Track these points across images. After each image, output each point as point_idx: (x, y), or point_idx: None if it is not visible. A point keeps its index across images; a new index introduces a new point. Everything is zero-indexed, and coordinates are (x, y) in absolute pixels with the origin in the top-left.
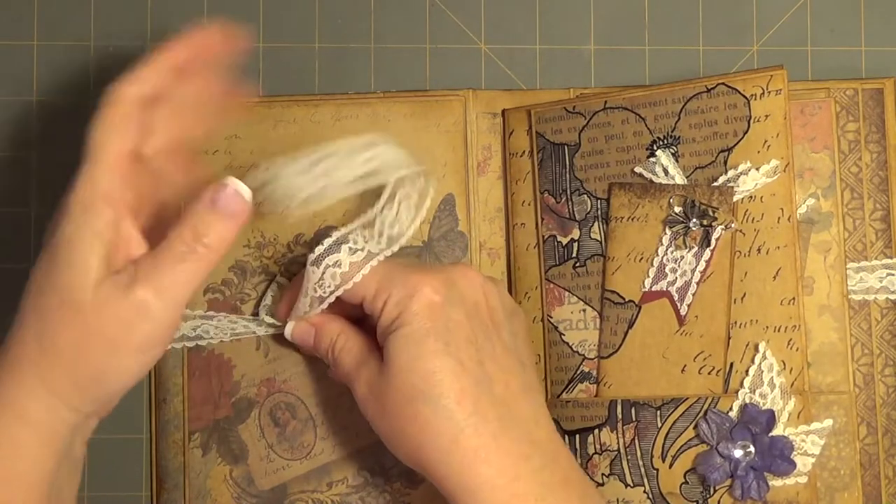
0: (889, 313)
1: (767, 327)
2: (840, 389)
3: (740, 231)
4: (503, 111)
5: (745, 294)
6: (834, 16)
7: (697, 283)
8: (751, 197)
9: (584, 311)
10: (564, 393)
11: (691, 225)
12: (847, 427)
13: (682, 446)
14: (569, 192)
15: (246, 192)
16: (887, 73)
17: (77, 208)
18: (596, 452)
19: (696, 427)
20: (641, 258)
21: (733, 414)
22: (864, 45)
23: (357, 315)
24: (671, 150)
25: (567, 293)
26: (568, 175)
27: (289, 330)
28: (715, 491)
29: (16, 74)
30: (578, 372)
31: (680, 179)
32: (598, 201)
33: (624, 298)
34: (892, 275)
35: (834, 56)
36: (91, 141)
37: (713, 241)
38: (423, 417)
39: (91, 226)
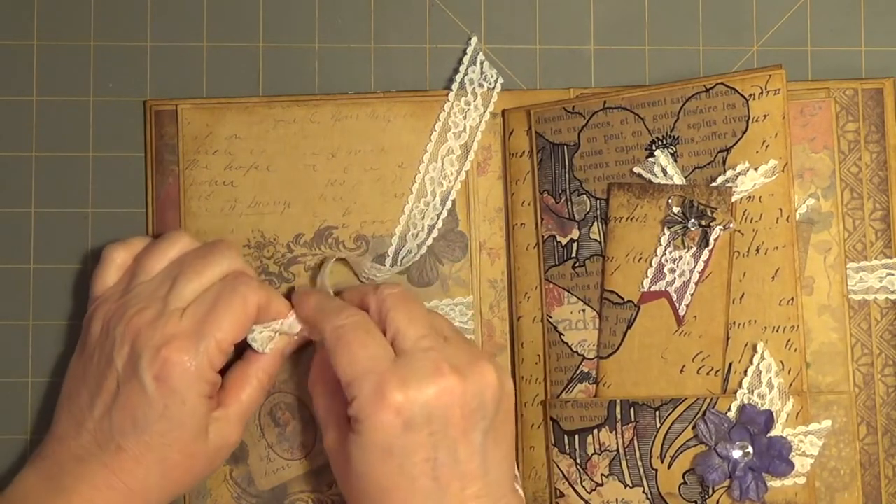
0: (889, 313)
1: (766, 328)
2: (840, 389)
3: (739, 231)
4: (503, 111)
5: (743, 294)
6: (834, 16)
7: (696, 284)
8: (749, 197)
9: (584, 311)
10: (564, 393)
11: (690, 225)
12: (847, 427)
13: (680, 447)
14: (568, 192)
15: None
16: (887, 73)
17: (191, 379)
18: (595, 453)
19: (694, 427)
20: (640, 258)
21: (732, 414)
22: (864, 45)
23: None
24: (670, 150)
25: (566, 293)
26: (567, 175)
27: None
28: (714, 492)
29: (16, 74)
30: (578, 372)
31: (678, 179)
32: (598, 201)
33: (623, 298)
34: (892, 275)
35: (834, 56)
36: (210, 317)
37: (711, 242)
38: None
39: (202, 393)
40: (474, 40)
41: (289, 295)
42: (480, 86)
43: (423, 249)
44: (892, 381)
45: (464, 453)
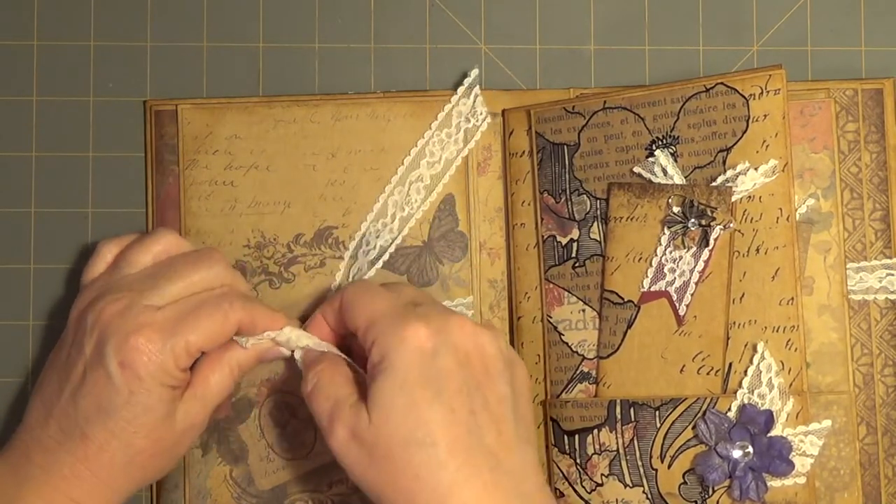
0: (888, 313)
1: (766, 327)
2: (840, 389)
3: (739, 231)
4: (503, 111)
5: (743, 294)
6: (834, 16)
7: (696, 284)
8: (749, 197)
9: (584, 311)
10: (564, 393)
11: (690, 225)
12: (847, 427)
13: (680, 447)
14: (568, 192)
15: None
16: (887, 73)
17: (156, 371)
18: (595, 453)
19: (694, 427)
20: (640, 258)
21: (732, 414)
22: (864, 45)
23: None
24: (670, 149)
25: (566, 293)
26: (567, 175)
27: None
28: (714, 491)
29: (16, 75)
30: (578, 372)
31: (679, 179)
32: (598, 201)
33: (623, 298)
34: (892, 275)
35: (834, 56)
36: (186, 320)
37: (711, 241)
38: (416, 466)
39: (168, 384)
40: (474, 73)
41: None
42: (467, 121)
43: (373, 270)
44: (892, 382)
45: (493, 398)
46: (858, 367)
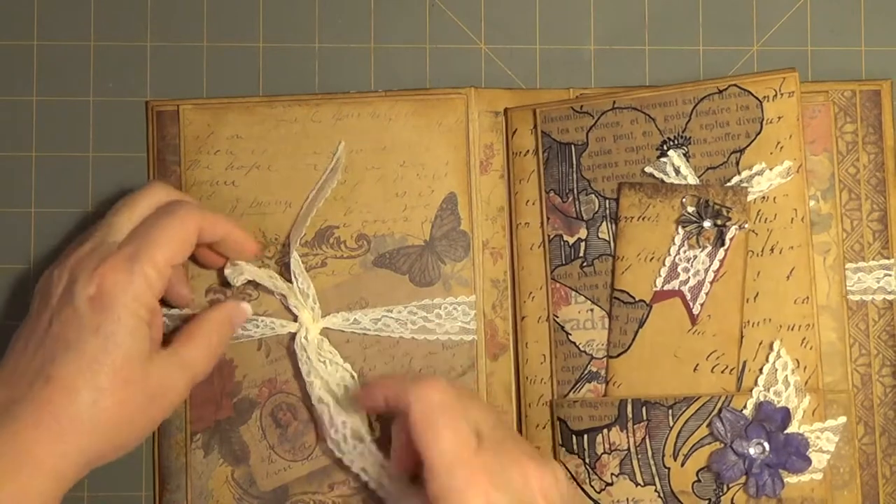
0: (886, 314)
1: (781, 326)
2: (839, 389)
3: (753, 231)
4: (505, 110)
5: (757, 293)
6: (834, 16)
7: (711, 283)
8: (763, 197)
9: (592, 310)
10: (571, 393)
11: (705, 225)
12: (847, 426)
13: (694, 445)
14: (576, 192)
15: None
16: (887, 73)
17: (126, 297)
18: (605, 452)
19: (709, 425)
20: (652, 258)
21: (747, 412)
22: (864, 45)
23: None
24: (682, 150)
25: (574, 293)
26: (575, 174)
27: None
28: (728, 489)
29: (16, 75)
30: (586, 372)
31: (692, 179)
32: (607, 201)
33: (634, 298)
34: (889, 275)
35: (834, 56)
36: (146, 238)
37: (727, 241)
38: None
39: (139, 315)
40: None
41: None
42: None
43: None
44: (890, 382)
45: None
46: (856, 368)
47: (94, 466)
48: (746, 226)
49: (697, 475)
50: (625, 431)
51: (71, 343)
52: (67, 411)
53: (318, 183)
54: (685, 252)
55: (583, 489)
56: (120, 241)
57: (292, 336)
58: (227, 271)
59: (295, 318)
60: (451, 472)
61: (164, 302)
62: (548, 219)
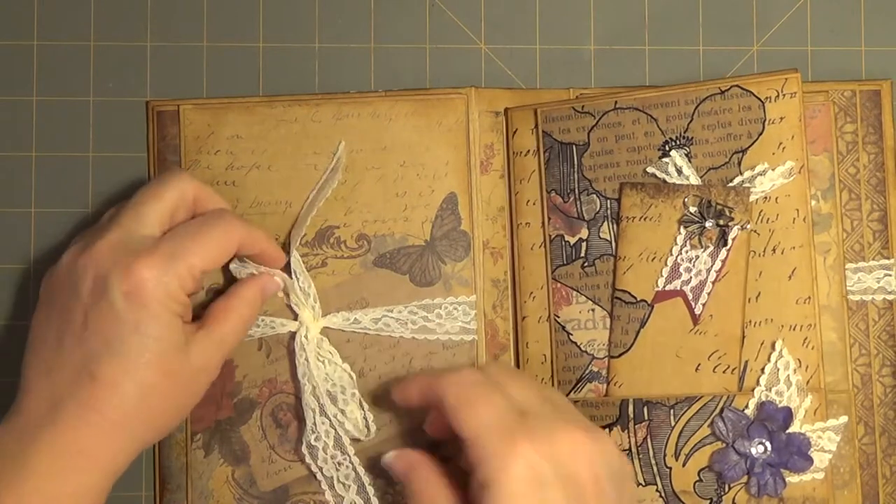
0: (886, 314)
1: (783, 326)
2: (839, 388)
3: (755, 231)
4: (506, 110)
5: (759, 293)
6: (834, 16)
7: (713, 283)
8: (766, 198)
9: (593, 310)
10: (573, 393)
11: (707, 225)
12: (847, 425)
13: (695, 444)
14: (577, 192)
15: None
16: (887, 73)
17: (161, 294)
18: None
19: (711, 425)
20: (654, 258)
21: (749, 412)
22: (864, 45)
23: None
24: (684, 150)
25: (575, 293)
26: (576, 175)
27: (388, 459)
28: (730, 488)
29: (16, 75)
30: (587, 372)
31: (694, 179)
32: (608, 201)
33: (636, 298)
34: (889, 275)
35: (834, 56)
36: (187, 241)
37: (730, 241)
38: None
39: (173, 310)
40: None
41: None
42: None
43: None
44: (890, 382)
45: None
46: (857, 368)
47: (144, 447)
48: (749, 226)
49: (699, 475)
50: (626, 431)
51: (111, 341)
52: (115, 409)
53: (319, 183)
54: (687, 252)
55: None
56: (149, 233)
57: (292, 336)
58: (231, 266)
59: (295, 318)
60: (491, 438)
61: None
62: (549, 219)
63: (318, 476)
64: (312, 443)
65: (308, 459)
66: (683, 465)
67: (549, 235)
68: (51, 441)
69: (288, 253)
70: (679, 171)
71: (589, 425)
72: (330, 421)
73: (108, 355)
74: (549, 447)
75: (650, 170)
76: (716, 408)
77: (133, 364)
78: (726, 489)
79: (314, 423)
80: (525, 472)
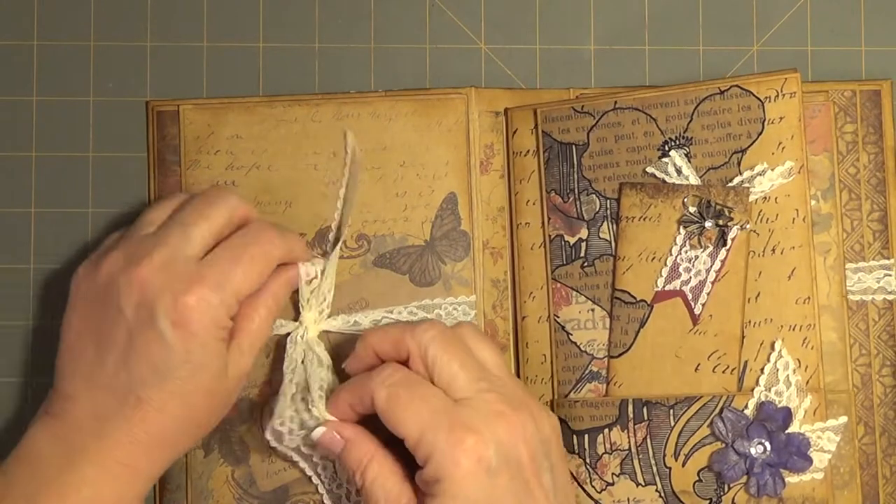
0: (886, 314)
1: (782, 326)
2: (839, 388)
3: (755, 231)
4: (505, 110)
5: (759, 293)
6: (834, 16)
7: (712, 283)
8: (765, 198)
9: (593, 310)
10: (572, 393)
11: (707, 225)
12: (847, 425)
13: (695, 444)
14: (577, 192)
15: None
16: (887, 73)
17: (209, 323)
18: (606, 452)
19: (710, 425)
20: (654, 258)
21: (749, 412)
22: (864, 45)
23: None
24: (683, 150)
25: (575, 293)
26: (576, 175)
27: (316, 434)
28: (729, 488)
29: (16, 75)
30: (587, 371)
31: (694, 179)
32: (608, 201)
33: (635, 298)
34: (889, 275)
35: (834, 56)
36: (232, 267)
37: (729, 241)
38: None
39: (220, 337)
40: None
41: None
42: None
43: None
44: (890, 382)
45: (540, 495)
46: (857, 368)
47: (186, 451)
48: (748, 226)
49: (698, 475)
50: (626, 431)
51: (160, 370)
52: (161, 429)
53: (345, 179)
54: (686, 252)
55: (583, 489)
56: (194, 254)
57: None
58: None
59: (296, 318)
60: (436, 435)
61: None
62: (548, 219)
63: (287, 454)
64: (277, 427)
65: (274, 443)
66: (683, 465)
67: (549, 235)
68: (97, 452)
69: (327, 254)
70: (678, 171)
71: (519, 400)
72: (297, 408)
73: (156, 382)
74: (491, 435)
75: (650, 170)
76: (715, 408)
77: (180, 391)
78: (726, 489)
79: (282, 410)
80: (475, 466)
